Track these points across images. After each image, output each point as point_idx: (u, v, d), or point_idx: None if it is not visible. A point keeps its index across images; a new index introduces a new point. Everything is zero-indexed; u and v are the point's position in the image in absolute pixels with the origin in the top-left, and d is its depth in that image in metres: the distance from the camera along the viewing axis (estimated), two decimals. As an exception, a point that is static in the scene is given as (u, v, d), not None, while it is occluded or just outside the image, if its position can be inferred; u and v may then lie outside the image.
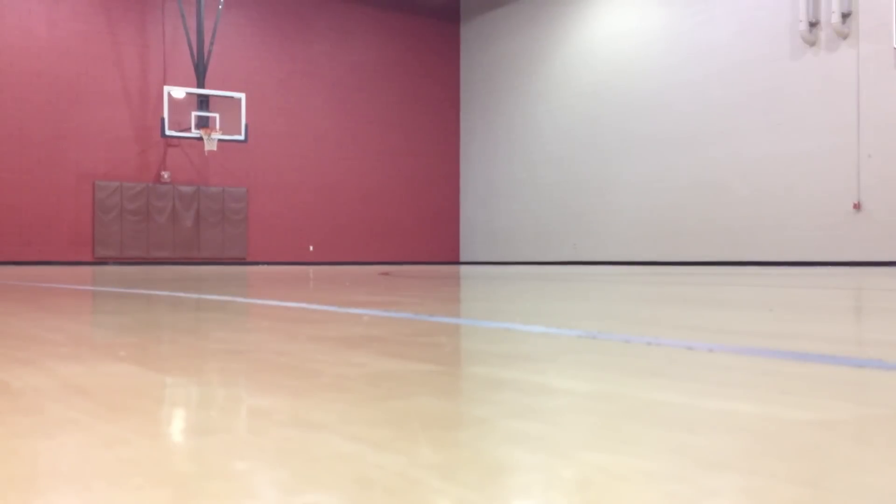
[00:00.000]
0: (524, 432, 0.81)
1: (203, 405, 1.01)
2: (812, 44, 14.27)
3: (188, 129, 18.10)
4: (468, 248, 22.81)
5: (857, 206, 13.60)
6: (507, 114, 21.29)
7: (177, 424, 0.91)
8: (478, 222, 22.42)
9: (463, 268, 14.07)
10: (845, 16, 13.80)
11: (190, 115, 18.11)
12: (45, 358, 1.43)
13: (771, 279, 6.17)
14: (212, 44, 18.67)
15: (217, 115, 18.24)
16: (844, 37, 13.82)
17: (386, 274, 8.35)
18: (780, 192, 14.70)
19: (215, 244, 19.83)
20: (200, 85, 18.40)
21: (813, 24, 14.23)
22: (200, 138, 18.18)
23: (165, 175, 19.23)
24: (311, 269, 12.69)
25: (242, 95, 18.51)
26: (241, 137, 18.41)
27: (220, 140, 18.21)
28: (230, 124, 18.32)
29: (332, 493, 0.60)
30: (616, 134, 18.08)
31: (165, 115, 17.88)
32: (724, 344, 1.66)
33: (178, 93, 18.15)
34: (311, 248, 21.05)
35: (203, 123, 18.11)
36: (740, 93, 15.39)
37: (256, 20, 20.43)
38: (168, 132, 17.95)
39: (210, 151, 18.40)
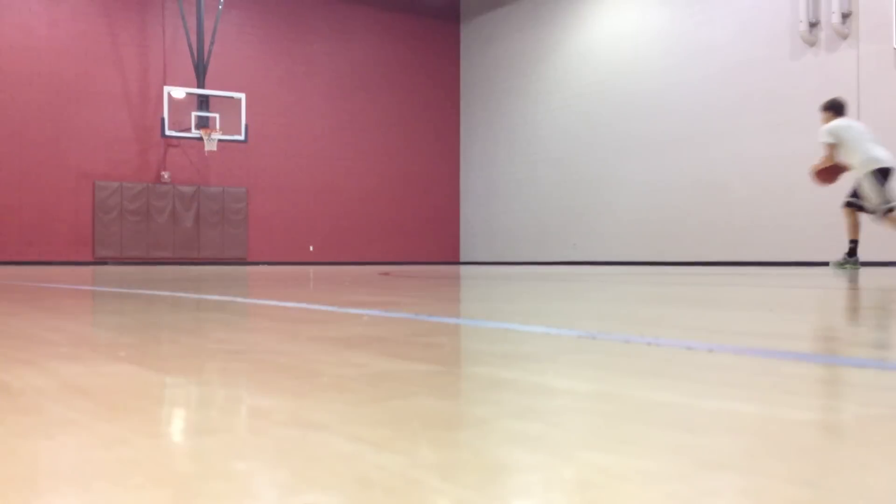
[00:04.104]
0: (524, 432, 0.81)
1: (203, 405, 1.01)
2: (812, 44, 14.26)
3: (188, 130, 18.11)
4: (468, 248, 22.80)
5: (857, 206, 13.60)
6: (507, 114, 21.28)
7: (177, 424, 0.91)
8: (478, 222, 22.41)
9: (463, 268, 14.07)
10: (845, 16, 13.79)
11: (190, 115, 18.11)
12: (45, 358, 1.43)
13: (771, 279, 6.17)
14: (212, 44, 18.67)
15: (217, 116, 18.24)
16: (844, 37, 13.82)
17: (386, 274, 8.35)
18: (780, 192, 14.69)
19: (215, 244, 19.83)
20: (200, 85, 18.40)
21: (813, 25, 14.22)
22: (200, 138, 18.18)
23: (165, 175, 19.23)
24: (311, 269, 12.69)
25: (242, 95, 18.52)
26: (241, 137, 18.41)
27: (220, 140, 18.21)
28: (230, 124, 18.32)
29: (332, 493, 0.60)
30: (616, 134, 18.08)
31: (165, 115, 17.89)
32: (724, 344, 1.66)
33: (178, 93, 18.15)
34: (312, 248, 21.05)
35: (203, 123, 18.12)
36: (740, 93, 15.38)
37: (256, 20, 20.43)
38: (168, 132, 17.96)
39: (210, 151, 18.40)
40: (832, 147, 8.50)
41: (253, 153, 20.08)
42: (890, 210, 8.30)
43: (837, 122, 8.55)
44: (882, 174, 8.25)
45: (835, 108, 8.68)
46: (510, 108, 21.18)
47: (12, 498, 0.59)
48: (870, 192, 8.32)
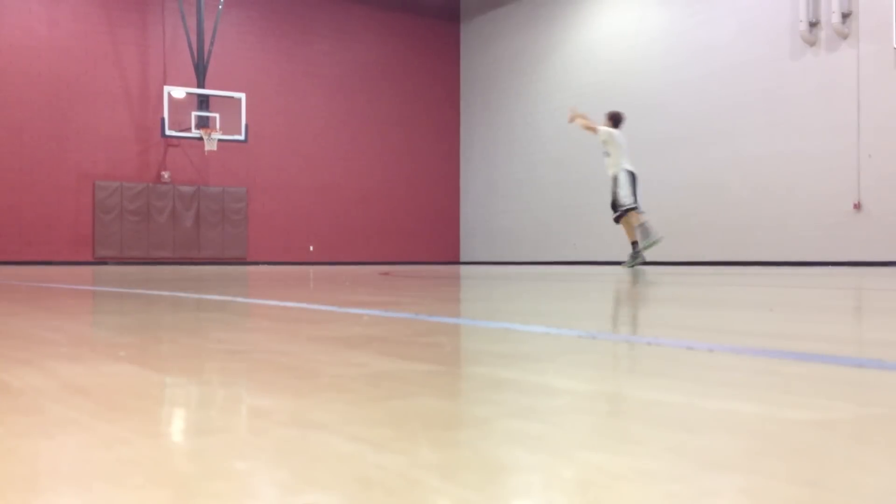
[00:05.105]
0: (524, 432, 0.81)
1: (203, 405, 1.01)
2: (812, 44, 14.26)
3: (188, 129, 18.10)
4: (468, 248, 22.80)
5: (857, 206, 13.60)
6: (507, 114, 21.28)
7: (177, 424, 0.91)
8: (478, 222, 22.40)
9: (463, 268, 14.07)
10: (845, 16, 13.79)
11: (190, 115, 18.10)
12: (45, 358, 1.43)
13: (771, 279, 6.17)
14: (212, 44, 18.67)
15: (217, 115, 18.23)
16: (844, 37, 13.82)
17: (386, 274, 8.35)
18: (780, 192, 14.69)
19: (215, 244, 19.83)
20: (200, 85, 18.40)
21: (813, 24, 14.22)
22: (200, 138, 18.17)
23: (165, 175, 19.23)
24: (311, 269, 12.69)
25: (242, 95, 18.51)
26: (241, 137, 18.41)
27: (220, 140, 18.20)
28: (230, 124, 18.32)
29: (332, 493, 0.60)
30: (616, 134, 18.05)
31: (165, 115, 17.88)
32: (724, 344, 1.66)
33: (178, 93, 18.15)
34: (312, 248, 21.05)
35: (203, 123, 18.11)
36: (740, 93, 15.38)
37: (256, 20, 20.43)
38: (168, 132, 17.95)
39: (210, 151, 18.39)
40: (595, 131, 10.27)
41: (253, 153, 20.08)
42: (623, 214, 9.92)
43: (615, 130, 10.22)
44: (632, 176, 9.97)
45: (614, 119, 10.36)
46: (510, 108, 21.17)
47: (12, 498, 0.59)
48: (623, 186, 9.96)
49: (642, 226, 9.92)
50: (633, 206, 9.89)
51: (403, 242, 22.22)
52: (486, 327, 2.10)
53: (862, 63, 13.55)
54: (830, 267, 12.54)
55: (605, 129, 10.13)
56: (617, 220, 10.15)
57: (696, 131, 16.28)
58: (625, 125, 10.62)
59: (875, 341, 1.85)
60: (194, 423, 0.91)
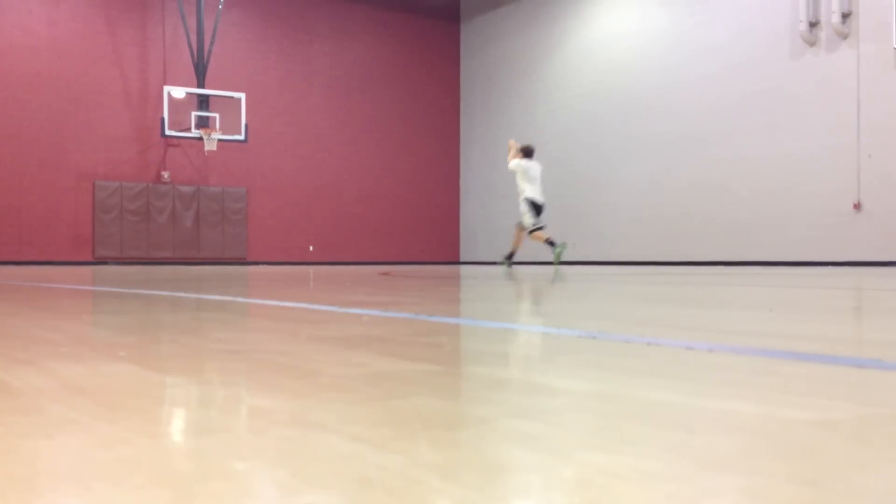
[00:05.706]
0: (524, 432, 0.81)
1: (203, 405, 1.01)
2: (812, 44, 14.26)
3: (188, 129, 18.10)
4: (468, 248, 22.80)
5: (857, 206, 13.60)
6: (507, 114, 21.28)
7: (177, 424, 0.91)
8: (478, 222, 22.40)
9: (463, 268, 14.08)
10: (845, 16, 13.79)
11: (190, 115, 18.10)
12: (45, 358, 1.43)
13: (771, 279, 6.17)
14: (212, 44, 18.67)
15: (217, 115, 18.23)
16: (844, 37, 13.82)
17: (386, 274, 8.35)
18: (780, 192, 14.69)
19: (215, 244, 19.83)
20: (200, 85, 18.40)
21: (813, 24, 14.22)
22: (200, 138, 18.17)
23: (165, 175, 19.23)
24: (311, 269, 12.68)
25: (242, 95, 18.51)
26: (241, 137, 18.41)
27: (220, 140, 18.20)
28: (230, 124, 18.32)
29: (332, 493, 0.60)
30: (616, 134, 18.07)
31: (165, 115, 17.88)
32: (724, 344, 1.66)
33: (178, 93, 18.15)
34: (311, 248, 21.05)
35: (203, 123, 18.11)
36: (740, 93, 15.38)
37: (256, 20, 20.43)
38: (168, 132, 17.95)
39: (210, 151, 18.39)
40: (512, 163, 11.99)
41: (253, 153, 20.08)
42: (532, 231, 11.79)
43: (524, 161, 11.98)
44: (534, 204, 11.82)
45: (525, 152, 12.04)
46: (510, 108, 21.17)
47: (12, 498, 0.59)
48: (525, 213, 11.92)
49: (548, 240, 11.74)
50: (536, 227, 11.80)
51: (403, 242, 22.22)
52: (486, 327, 2.10)
53: (862, 63, 13.55)
54: (830, 267, 12.54)
55: (514, 161, 11.88)
56: (530, 233, 11.83)
57: (697, 131, 16.28)
58: (536, 155, 12.30)
59: (875, 341, 1.85)
60: (194, 423, 0.91)
